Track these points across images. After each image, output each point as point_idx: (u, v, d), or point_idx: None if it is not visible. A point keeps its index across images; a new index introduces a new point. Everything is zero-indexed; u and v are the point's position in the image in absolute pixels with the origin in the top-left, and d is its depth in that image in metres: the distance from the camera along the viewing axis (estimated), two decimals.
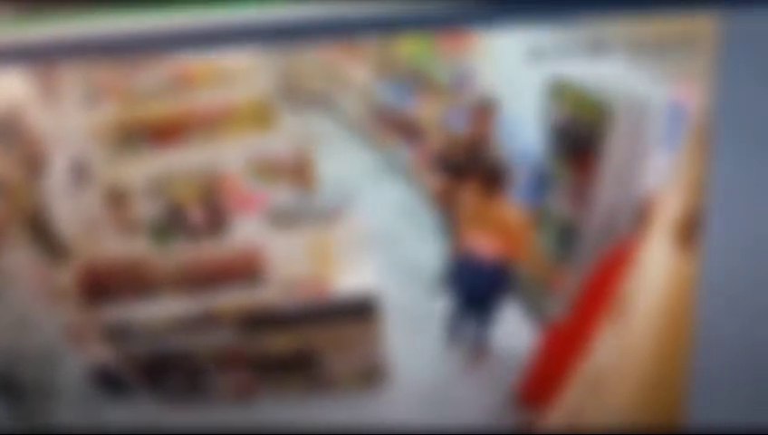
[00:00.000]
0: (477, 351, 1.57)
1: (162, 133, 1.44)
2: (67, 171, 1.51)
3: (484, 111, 1.33)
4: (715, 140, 1.23)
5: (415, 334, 1.57)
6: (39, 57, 1.34)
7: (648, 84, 1.25)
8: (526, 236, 1.46)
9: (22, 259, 1.61)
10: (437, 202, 1.47)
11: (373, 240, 1.50)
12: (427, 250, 1.49)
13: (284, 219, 1.50)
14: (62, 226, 1.56)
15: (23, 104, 1.43)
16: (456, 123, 1.38)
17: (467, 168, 1.38)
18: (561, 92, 1.31)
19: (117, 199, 1.51)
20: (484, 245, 1.45)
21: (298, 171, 1.43)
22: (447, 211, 1.46)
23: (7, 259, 1.61)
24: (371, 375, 1.63)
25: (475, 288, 1.51)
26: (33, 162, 1.50)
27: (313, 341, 1.62)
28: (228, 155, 1.45)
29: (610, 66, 1.24)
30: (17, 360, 1.70)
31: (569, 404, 1.51)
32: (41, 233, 1.58)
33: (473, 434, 1.54)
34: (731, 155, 1.23)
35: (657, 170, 1.30)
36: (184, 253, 1.55)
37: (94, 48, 1.25)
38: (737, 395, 1.40)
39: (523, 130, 1.35)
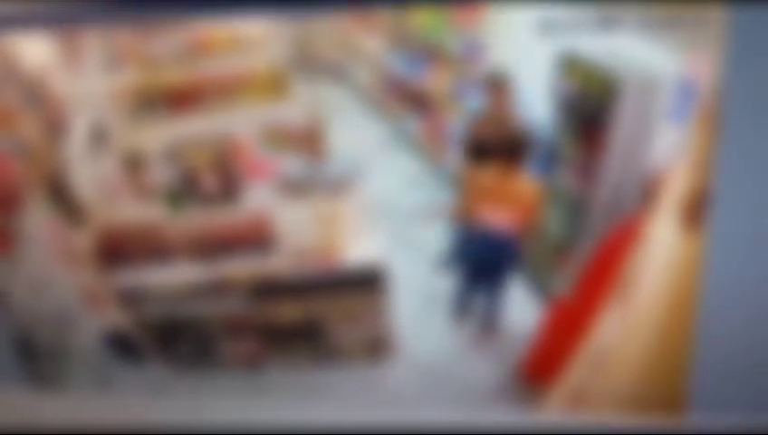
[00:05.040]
0: (485, 326, 1.58)
1: (178, 100, 1.48)
2: (87, 136, 1.55)
3: (500, 87, 1.33)
4: (724, 117, 1.22)
5: (422, 308, 1.58)
6: (61, 22, 1.38)
7: (659, 60, 1.25)
8: (540, 209, 1.46)
9: (41, 222, 1.65)
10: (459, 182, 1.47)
11: (382, 212, 1.51)
12: (435, 224, 1.50)
13: (294, 188, 1.52)
14: (81, 190, 1.60)
15: (46, 69, 1.47)
16: (469, 97, 1.38)
17: (492, 146, 1.38)
18: (570, 66, 1.31)
19: (133, 165, 1.54)
20: (498, 217, 1.46)
21: (309, 140, 1.46)
22: (462, 185, 1.46)
23: (27, 222, 1.66)
24: (377, 347, 1.65)
25: (486, 261, 1.52)
26: (55, 126, 1.55)
27: (321, 311, 1.64)
28: (242, 122, 1.48)
29: (621, 41, 1.25)
30: (34, 321, 1.75)
31: (572, 382, 1.52)
32: (60, 196, 1.62)
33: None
34: (741, 133, 1.22)
35: (666, 147, 1.30)
36: (196, 219, 1.58)
37: (114, 13, 1.29)
38: (741, 377, 1.39)
39: (533, 105, 1.36)
